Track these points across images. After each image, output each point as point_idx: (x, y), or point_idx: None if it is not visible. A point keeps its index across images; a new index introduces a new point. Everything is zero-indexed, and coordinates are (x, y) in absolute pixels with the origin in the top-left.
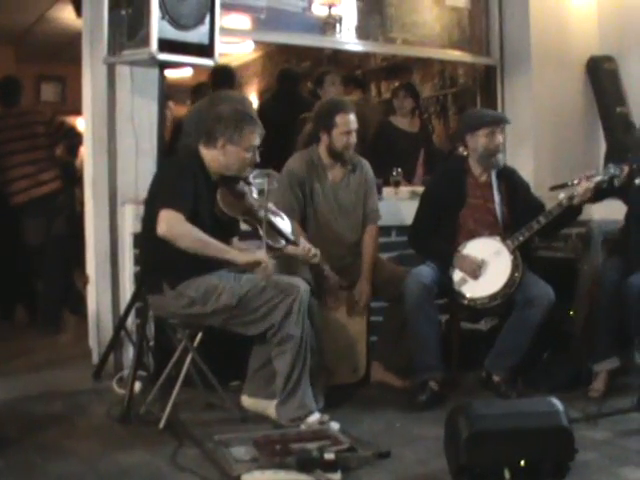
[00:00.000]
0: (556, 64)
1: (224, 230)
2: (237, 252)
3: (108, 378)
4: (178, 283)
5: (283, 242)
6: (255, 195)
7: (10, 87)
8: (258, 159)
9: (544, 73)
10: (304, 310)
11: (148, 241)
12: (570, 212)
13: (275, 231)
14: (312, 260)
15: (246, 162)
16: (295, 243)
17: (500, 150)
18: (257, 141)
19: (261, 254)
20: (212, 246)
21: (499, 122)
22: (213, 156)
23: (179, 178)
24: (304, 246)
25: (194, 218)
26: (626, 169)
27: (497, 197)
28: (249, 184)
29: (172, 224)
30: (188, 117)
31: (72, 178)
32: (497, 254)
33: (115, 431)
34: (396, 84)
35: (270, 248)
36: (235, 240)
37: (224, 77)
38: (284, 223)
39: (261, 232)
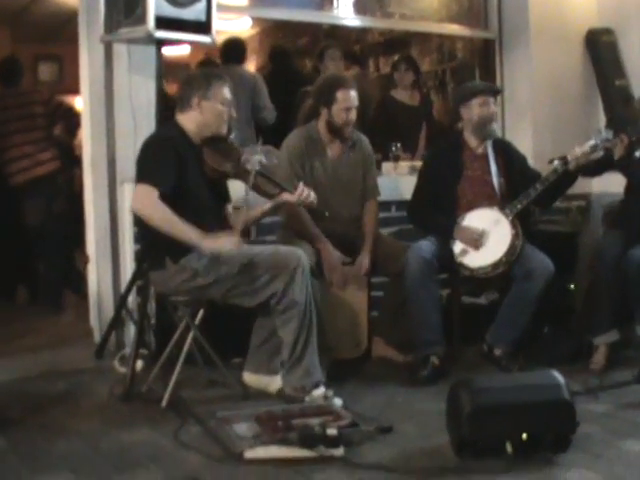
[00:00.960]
0: (555, 37)
1: (218, 195)
2: (202, 238)
3: (110, 357)
4: (181, 257)
5: (277, 189)
6: (241, 150)
7: (10, 67)
8: (234, 114)
9: (543, 46)
10: (307, 276)
11: None
12: (566, 179)
13: (267, 179)
14: (308, 201)
15: (223, 116)
16: (288, 189)
17: (494, 119)
18: (229, 95)
19: (227, 242)
20: (180, 228)
21: (490, 90)
22: (190, 118)
23: (156, 153)
24: (300, 190)
25: (185, 188)
26: (625, 140)
27: (494, 169)
28: (231, 143)
29: (143, 200)
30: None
31: (71, 158)
32: (496, 223)
33: (117, 410)
34: (395, 59)
35: (265, 194)
36: (229, 208)
37: (233, 50)
38: (276, 175)
39: (251, 181)
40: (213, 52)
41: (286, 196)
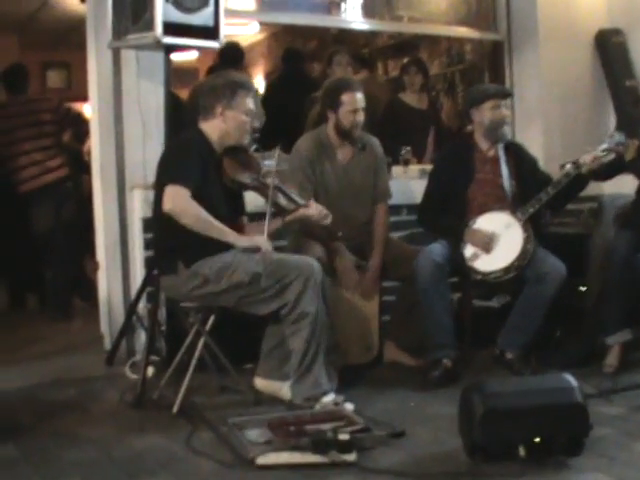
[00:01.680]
0: (564, 38)
1: (234, 207)
2: (238, 236)
3: (120, 364)
4: (193, 262)
5: (293, 205)
6: (261, 164)
7: (17, 74)
8: (257, 124)
9: (552, 48)
10: (318, 287)
11: (161, 222)
12: (578, 183)
13: (284, 195)
14: (324, 221)
15: (246, 127)
16: (305, 205)
17: (506, 122)
18: (252, 106)
19: (262, 240)
20: (215, 226)
21: (502, 94)
22: (214, 126)
23: (184, 154)
24: (316, 207)
25: (204, 196)
26: (636, 142)
27: (505, 171)
28: (251, 154)
29: (177, 200)
30: (189, 101)
31: (80, 165)
32: (508, 227)
33: (129, 416)
34: (404, 62)
35: (281, 211)
36: (244, 220)
37: (231, 55)
38: (292, 189)
39: (269, 199)
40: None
41: (302, 212)
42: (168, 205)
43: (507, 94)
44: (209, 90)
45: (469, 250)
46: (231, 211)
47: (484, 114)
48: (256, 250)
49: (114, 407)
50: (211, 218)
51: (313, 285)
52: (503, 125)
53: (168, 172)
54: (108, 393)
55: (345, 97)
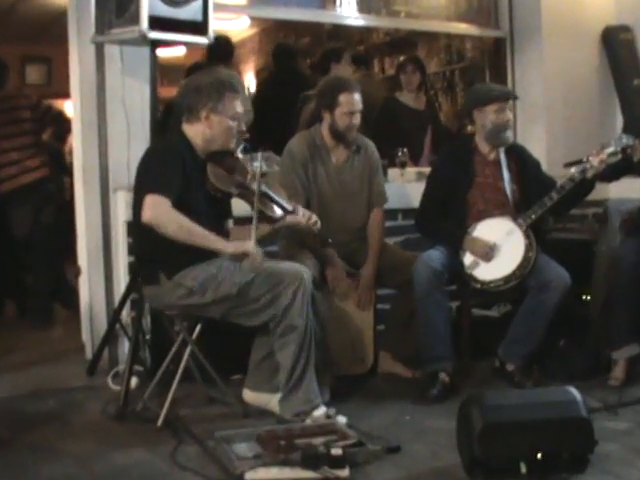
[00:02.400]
0: (569, 35)
1: (219, 211)
2: (225, 242)
3: (103, 374)
4: (175, 273)
5: (281, 212)
6: (248, 167)
7: None
8: (244, 128)
9: (556, 45)
10: (308, 298)
11: (142, 229)
12: (583, 187)
13: (271, 201)
14: (313, 228)
15: (232, 132)
16: (293, 212)
17: (509, 126)
18: (240, 109)
19: (249, 245)
20: (199, 234)
21: (508, 97)
22: (197, 130)
23: (164, 162)
24: (304, 213)
25: (186, 202)
26: None
27: (506, 175)
28: (237, 158)
29: (157, 210)
30: (177, 98)
31: (61, 165)
32: (509, 234)
33: (111, 429)
34: (400, 59)
35: (268, 219)
36: (230, 223)
37: (220, 50)
38: (280, 194)
39: (255, 206)
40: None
41: (290, 219)
42: (148, 216)
43: (513, 97)
44: (194, 90)
45: (468, 258)
46: (216, 216)
47: (487, 117)
48: (244, 256)
49: (96, 420)
50: (195, 226)
51: (302, 296)
52: (506, 129)
53: (147, 181)
54: (89, 405)
55: (343, 98)
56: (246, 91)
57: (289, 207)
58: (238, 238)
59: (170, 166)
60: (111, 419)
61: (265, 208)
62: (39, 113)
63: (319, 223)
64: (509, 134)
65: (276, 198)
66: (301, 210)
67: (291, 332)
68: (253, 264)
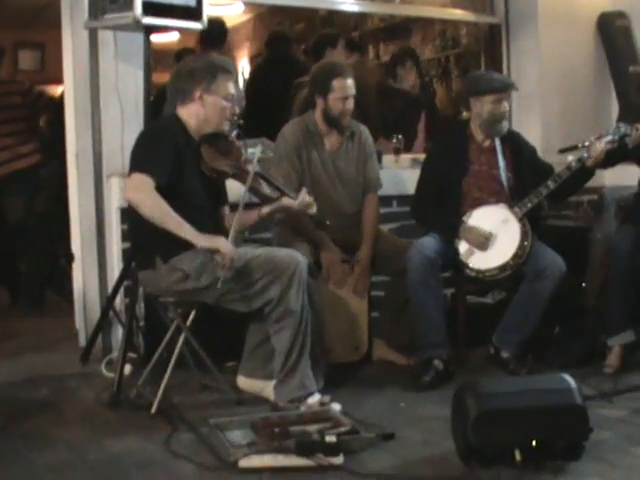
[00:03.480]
0: (565, 22)
1: (214, 195)
2: (198, 234)
3: (96, 361)
4: (171, 256)
5: (277, 193)
6: (242, 150)
7: None
8: (238, 110)
9: (552, 32)
10: (303, 283)
11: (136, 214)
12: (581, 175)
13: (266, 181)
14: (309, 210)
15: (225, 113)
16: (289, 194)
17: (505, 117)
18: (233, 90)
19: (222, 242)
20: (173, 220)
21: (508, 89)
22: (191, 112)
23: (153, 142)
24: (302, 197)
25: (180, 183)
26: None
27: (502, 163)
28: (232, 141)
29: (138, 189)
30: (170, 83)
31: (55, 151)
32: (504, 222)
33: (104, 417)
34: (395, 51)
35: (265, 198)
36: (226, 210)
37: (212, 35)
38: (276, 179)
39: (251, 184)
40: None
41: (286, 201)
42: (129, 193)
43: (512, 88)
44: (187, 73)
45: (464, 246)
46: (211, 201)
47: (484, 106)
48: (216, 252)
49: (89, 407)
50: (171, 211)
51: (298, 281)
52: (502, 120)
53: (135, 160)
54: (83, 392)
55: (336, 83)
56: (239, 77)
57: (285, 189)
58: (245, 221)
59: (159, 146)
60: (105, 406)
61: (261, 188)
62: (30, 99)
63: (315, 206)
64: (505, 124)
65: (271, 179)
66: (302, 193)
67: (287, 317)
68: (223, 262)
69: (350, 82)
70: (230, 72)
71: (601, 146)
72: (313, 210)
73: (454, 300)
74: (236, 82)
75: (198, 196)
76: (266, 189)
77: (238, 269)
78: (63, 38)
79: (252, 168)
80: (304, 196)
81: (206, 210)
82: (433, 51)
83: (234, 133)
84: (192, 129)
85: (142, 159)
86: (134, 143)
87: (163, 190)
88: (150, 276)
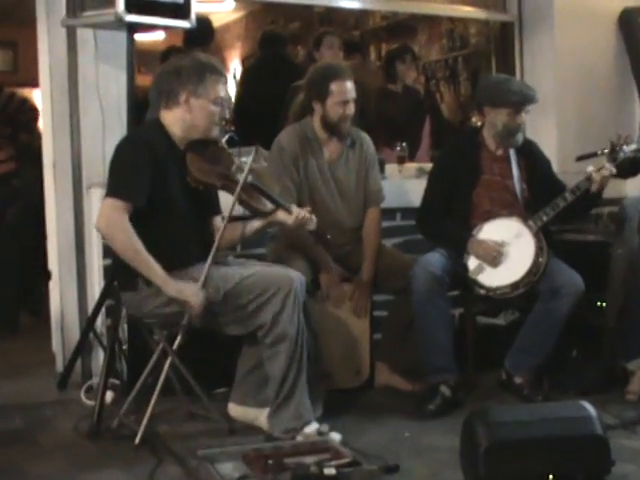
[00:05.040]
0: (583, 19)
1: (203, 207)
2: (167, 279)
3: (75, 388)
4: None
5: (271, 205)
6: (234, 158)
7: None
8: (228, 115)
9: (569, 30)
10: (299, 304)
11: None
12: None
13: (261, 193)
14: (308, 226)
15: (214, 117)
16: (285, 207)
17: (520, 130)
18: (224, 93)
19: (193, 293)
20: (145, 261)
21: (526, 103)
22: (177, 116)
23: (129, 159)
24: (297, 211)
25: (162, 198)
26: None
27: (516, 172)
28: (222, 147)
29: (109, 221)
30: (152, 87)
31: (31, 159)
32: (518, 237)
33: (84, 449)
34: (391, 49)
35: (258, 213)
36: (218, 220)
37: (198, 33)
38: (272, 189)
39: (242, 197)
40: None
41: (281, 216)
42: (100, 222)
43: (533, 101)
44: (173, 73)
45: (473, 262)
46: (199, 212)
47: (499, 117)
48: (184, 302)
49: (67, 438)
50: (144, 251)
51: (293, 302)
52: (517, 133)
53: (111, 179)
54: (60, 422)
55: (334, 86)
56: (229, 79)
57: (281, 201)
58: (231, 237)
59: (137, 165)
60: (84, 437)
61: (253, 201)
62: (11, 109)
63: (314, 220)
64: (519, 137)
65: (265, 189)
66: (295, 210)
67: (281, 341)
68: (191, 312)
69: (350, 85)
70: (220, 73)
71: (623, 155)
72: (312, 226)
73: (463, 321)
74: (226, 84)
75: (184, 210)
76: (259, 202)
77: (228, 291)
78: (38, 36)
79: (242, 178)
80: (299, 211)
81: (192, 223)
82: (440, 52)
83: (225, 138)
84: (176, 136)
85: (117, 181)
86: (112, 156)
87: (143, 210)
88: (133, 298)
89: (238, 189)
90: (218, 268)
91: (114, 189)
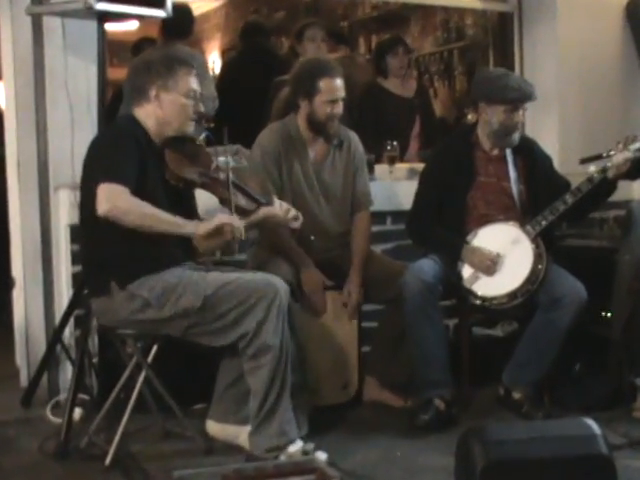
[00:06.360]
0: (588, 9)
1: (182, 207)
2: (195, 223)
3: (40, 405)
4: (129, 282)
5: (253, 204)
6: (212, 156)
7: None
8: (202, 108)
9: (572, 21)
10: (283, 314)
11: (90, 231)
12: (603, 189)
13: (241, 192)
14: (292, 224)
15: (187, 111)
16: (267, 204)
17: (518, 128)
18: (196, 85)
19: (222, 216)
20: (166, 220)
21: (525, 100)
22: (149, 112)
23: (116, 147)
24: (281, 205)
25: (143, 194)
26: None
27: (513, 174)
28: (199, 145)
29: (115, 200)
30: (126, 80)
31: None
32: (515, 243)
33: (50, 470)
34: (381, 40)
35: (240, 211)
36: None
37: (176, 23)
38: (252, 188)
39: (224, 195)
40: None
41: (266, 210)
42: (105, 206)
43: (531, 98)
44: (142, 68)
45: (467, 270)
46: (178, 214)
47: (495, 115)
48: (220, 232)
49: (31, 459)
50: (160, 211)
51: (277, 311)
52: (514, 132)
53: (98, 171)
54: (24, 441)
55: (323, 84)
56: (210, 73)
57: (262, 199)
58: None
59: (124, 151)
60: (50, 458)
61: (235, 199)
62: None
63: (300, 218)
64: (516, 136)
65: (247, 189)
66: (278, 202)
67: (264, 353)
68: (234, 234)
69: (339, 83)
70: (190, 65)
71: (628, 155)
72: (298, 224)
73: (457, 332)
74: (207, 82)
75: (162, 206)
76: (241, 200)
77: (207, 297)
78: (0, 25)
79: (225, 176)
80: (283, 205)
81: None
82: (434, 44)
83: (202, 136)
84: (152, 132)
85: (109, 167)
86: (89, 151)
87: None
88: (105, 304)
89: (230, 189)
90: (198, 273)
91: (109, 175)
